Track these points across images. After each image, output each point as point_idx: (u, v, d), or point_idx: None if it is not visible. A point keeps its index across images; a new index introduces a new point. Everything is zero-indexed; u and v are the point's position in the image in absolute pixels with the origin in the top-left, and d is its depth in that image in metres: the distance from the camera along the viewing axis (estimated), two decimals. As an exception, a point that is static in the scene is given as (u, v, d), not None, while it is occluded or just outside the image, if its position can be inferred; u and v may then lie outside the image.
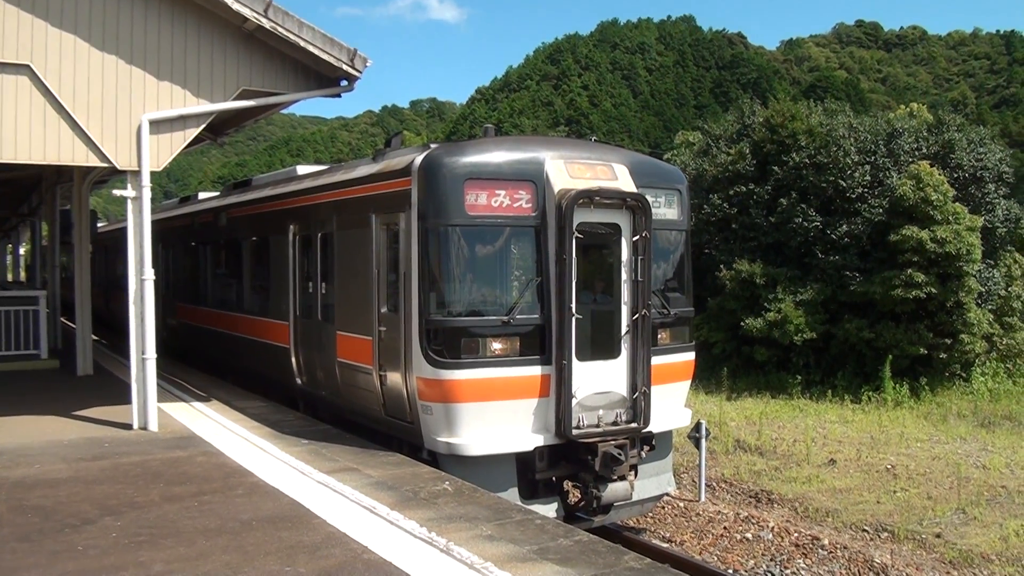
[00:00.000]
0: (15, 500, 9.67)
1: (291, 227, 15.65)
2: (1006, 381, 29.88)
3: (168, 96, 13.34)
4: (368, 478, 10.64)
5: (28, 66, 12.51)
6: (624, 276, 12.14)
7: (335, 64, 13.88)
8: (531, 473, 11.89)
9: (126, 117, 13.09)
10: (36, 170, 20.43)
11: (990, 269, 30.67)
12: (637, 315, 12.09)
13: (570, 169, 11.90)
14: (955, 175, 30.15)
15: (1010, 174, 31.99)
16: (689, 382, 13.77)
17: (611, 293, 12.31)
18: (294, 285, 15.64)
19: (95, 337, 21.21)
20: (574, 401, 11.59)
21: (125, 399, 13.88)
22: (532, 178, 11.75)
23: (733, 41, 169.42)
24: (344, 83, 14.43)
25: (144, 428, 13.42)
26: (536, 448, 11.70)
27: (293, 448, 12.34)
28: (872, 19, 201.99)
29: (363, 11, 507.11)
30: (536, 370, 11.60)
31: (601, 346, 12.12)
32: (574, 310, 11.55)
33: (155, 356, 13.48)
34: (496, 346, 11.50)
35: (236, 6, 13.12)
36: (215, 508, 9.37)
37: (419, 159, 11.73)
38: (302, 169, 17.28)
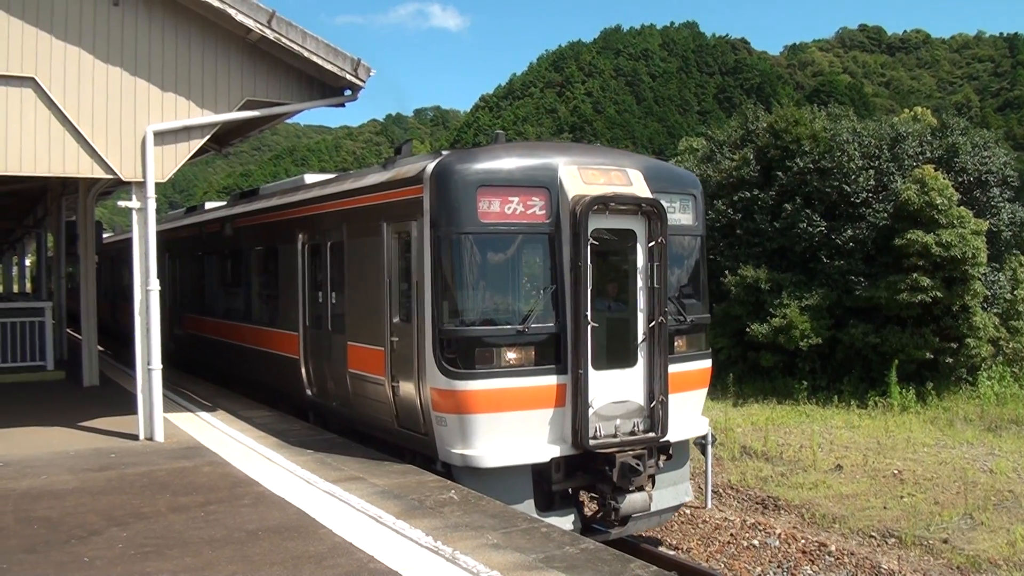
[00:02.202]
0: (22, 511, 9.70)
1: (300, 236, 15.45)
2: (1012, 385, 29.79)
3: (172, 107, 13.39)
4: (374, 487, 10.65)
5: (33, 79, 12.58)
6: (640, 283, 11.92)
7: (339, 74, 13.92)
8: (547, 485, 11.70)
9: (131, 128, 13.14)
10: (41, 182, 20.50)
11: (995, 273, 30.59)
12: (654, 322, 11.86)
13: (584, 175, 11.69)
14: (960, 179, 30.10)
15: (1015, 177, 31.92)
16: (706, 390, 13.54)
17: (625, 300, 12.11)
18: (303, 295, 15.40)
19: (100, 348, 21.20)
20: (591, 411, 11.36)
21: (131, 410, 13.92)
22: (545, 184, 11.55)
23: (736, 47, 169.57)
24: (348, 93, 14.47)
25: (150, 439, 13.45)
26: (552, 459, 11.49)
27: (299, 457, 12.36)
28: (875, 23, 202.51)
29: (364, 19, 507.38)
30: (551, 380, 11.38)
31: (617, 354, 11.89)
32: (590, 318, 11.32)
33: (161, 366, 13.51)
34: (511, 356, 11.26)
35: (240, 17, 13.17)
36: (221, 518, 9.38)
37: (431, 166, 11.55)
38: (310, 178, 17.04)
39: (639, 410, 11.87)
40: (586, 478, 11.97)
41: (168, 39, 13.40)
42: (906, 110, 53.57)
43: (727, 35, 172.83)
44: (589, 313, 11.32)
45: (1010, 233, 31.34)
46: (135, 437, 13.51)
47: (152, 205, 13.37)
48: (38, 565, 7.98)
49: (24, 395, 18.02)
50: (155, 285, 13.38)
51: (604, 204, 11.44)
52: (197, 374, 21.90)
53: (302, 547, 8.37)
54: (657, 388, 11.84)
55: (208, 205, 23.98)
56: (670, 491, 12.80)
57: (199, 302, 22.36)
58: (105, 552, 8.31)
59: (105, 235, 32.27)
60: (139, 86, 13.19)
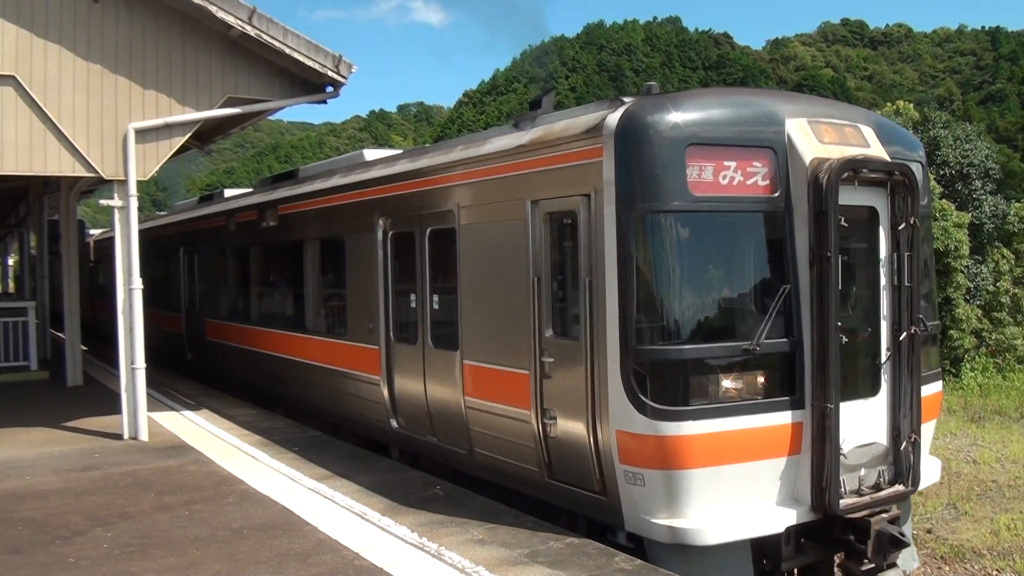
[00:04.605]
0: (5, 512, 9.65)
1: (380, 223, 12.17)
2: (995, 376, 30.03)
3: (154, 105, 13.34)
4: (359, 484, 10.62)
5: (13, 77, 12.51)
6: (883, 280, 8.88)
7: (320, 71, 13.89)
8: (772, 561, 8.63)
9: (112, 126, 13.09)
10: (23, 181, 20.40)
11: (978, 265, 30.84)
12: (904, 334, 8.77)
13: (817, 131, 8.56)
14: (942, 172, 30.33)
15: (996, 170, 32.20)
16: (935, 421, 10.44)
17: (845, 305, 8.90)
18: (386, 298, 12.16)
19: (84, 347, 21.09)
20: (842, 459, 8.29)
21: (115, 409, 13.87)
22: (770, 143, 8.39)
23: (719, 41, 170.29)
24: (330, 89, 14.45)
25: (134, 438, 13.40)
26: (787, 528, 8.36)
27: (283, 455, 12.32)
28: (857, 17, 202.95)
29: (345, 14, 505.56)
30: (785, 417, 8.26)
31: (854, 379, 8.82)
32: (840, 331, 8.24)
33: (144, 365, 13.46)
34: (730, 385, 8.26)
35: (221, 14, 13.12)
36: (206, 517, 9.36)
37: (614, 117, 8.34)
38: (370, 154, 14.05)
39: (884, 455, 8.85)
40: (819, 551, 8.98)
41: (149, 36, 13.34)
42: (888, 104, 53.76)
43: (710, 30, 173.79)
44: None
45: (992, 225, 31.60)
46: (119, 436, 13.46)
47: (134, 203, 13.31)
48: (23, 566, 7.95)
49: (7, 395, 17.90)
50: (138, 284, 13.31)
51: (854, 171, 8.37)
52: (224, 389, 19.01)
53: (287, 545, 8.35)
54: (907, 423, 8.80)
55: (229, 192, 20.67)
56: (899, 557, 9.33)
57: (229, 306, 19.16)
58: (90, 552, 8.28)
59: (98, 231, 32.12)
60: (120, 84, 13.14)
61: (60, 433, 14.02)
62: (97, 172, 13.10)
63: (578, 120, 8.99)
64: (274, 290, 17.21)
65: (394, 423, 12.11)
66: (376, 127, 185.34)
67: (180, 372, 21.37)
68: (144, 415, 13.49)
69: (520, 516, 9.30)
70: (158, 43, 13.40)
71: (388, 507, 9.59)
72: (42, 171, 13.01)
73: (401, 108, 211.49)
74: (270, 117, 17.76)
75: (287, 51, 13.58)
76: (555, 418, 9.01)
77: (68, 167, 13.00)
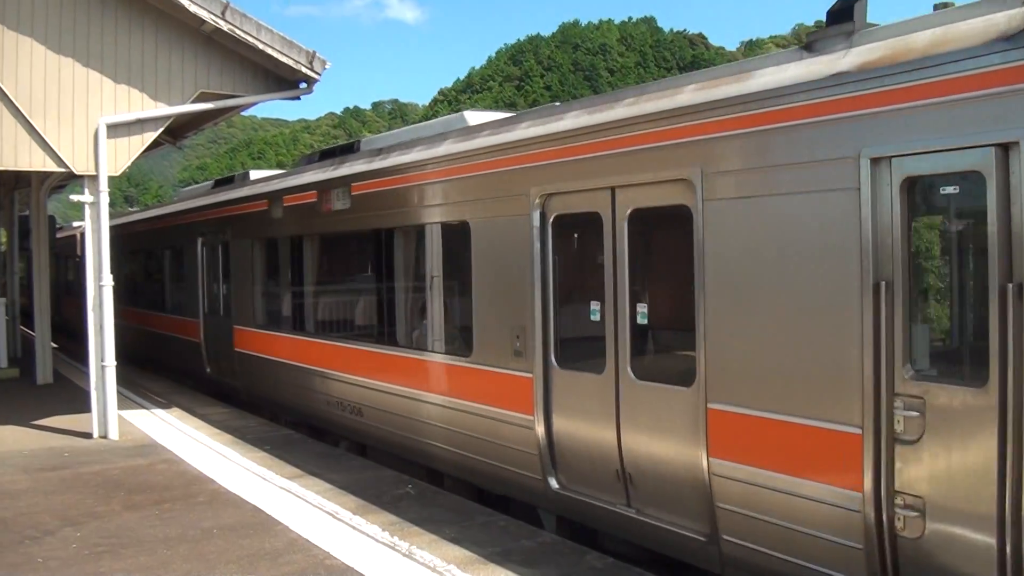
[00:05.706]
0: (-28, 511, 9.56)
1: (537, 201, 8.90)
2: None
3: (126, 99, 13.24)
4: (330, 483, 10.59)
5: (-17, 70, 12.39)
6: None
7: (294, 67, 13.84)
8: None
9: (83, 121, 12.98)
10: (-8, 175, 20.21)
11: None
12: None
13: None
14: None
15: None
16: None
17: None
18: (545, 305, 8.94)
19: (54, 344, 20.90)
20: None
21: (85, 407, 13.74)
22: None
23: (694, 42, 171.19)
24: (303, 86, 14.38)
25: (104, 437, 13.29)
26: None
27: (254, 454, 12.27)
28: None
29: (318, 10, 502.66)
30: None
31: None
32: None
33: (115, 363, 13.35)
34: None
35: (193, 8, 13.05)
36: (176, 516, 9.29)
37: None
38: (473, 117, 11.07)
39: None
40: None
41: (121, 30, 13.24)
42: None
43: (684, 30, 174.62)
44: None
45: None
46: (89, 435, 13.34)
47: (105, 199, 13.21)
48: (-11, 566, 7.89)
49: (-25, 393, 17.74)
50: (108, 280, 13.20)
51: None
52: (256, 410, 16.14)
53: (258, 544, 8.31)
54: None
55: (257, 174, 17.51)
56: None
57: (273, 311, 15.91)
58: (59, 552, 8.20)
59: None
60: (92, 78, 13.02)
61: (29, 431, 13.88)
62: (68, 167, 13.00)
63: (971, 24, 5.57)
64: (346, 291, 13.86)
65: (554, 482, 8.91)
66: (350, 124, 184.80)
67: (193, 386, 19.19)
68: (114, 413, 13.38)
69: (492, 515, 9.31)
70: (131, 37, 13.29)
71: (359, 506, 9.57)
72: (12, 166, 12.87)
73: (376, 105, 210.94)
74: (244, 113, 17.66)
75: (261, 47, 13.52)
76: (919, 509, 5.83)
77: (39, 162, 12.87)
